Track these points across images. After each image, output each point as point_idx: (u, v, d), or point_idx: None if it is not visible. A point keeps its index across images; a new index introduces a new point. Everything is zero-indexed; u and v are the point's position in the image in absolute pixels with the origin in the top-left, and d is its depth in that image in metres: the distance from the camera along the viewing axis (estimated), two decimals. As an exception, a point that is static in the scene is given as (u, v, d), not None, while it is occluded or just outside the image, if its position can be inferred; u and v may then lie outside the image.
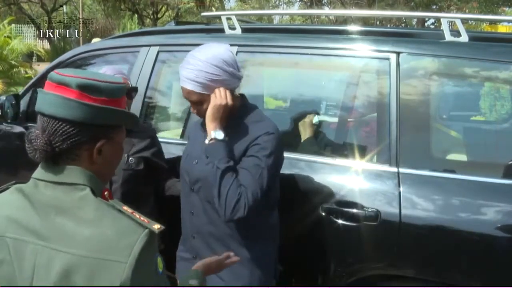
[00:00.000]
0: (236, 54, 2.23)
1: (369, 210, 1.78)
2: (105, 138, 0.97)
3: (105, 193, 0.99)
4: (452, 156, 2.03)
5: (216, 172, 1.50)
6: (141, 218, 0.93)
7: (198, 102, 1.59)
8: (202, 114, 1.62)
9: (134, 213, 0.93)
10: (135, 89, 2.10)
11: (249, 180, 1.50)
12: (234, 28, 2.38)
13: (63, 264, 0.87)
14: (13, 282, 0.91)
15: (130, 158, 1.94)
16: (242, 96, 1.71)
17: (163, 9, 22.53)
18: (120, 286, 0.85)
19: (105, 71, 2.01)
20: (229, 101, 1.55)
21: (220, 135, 1.55)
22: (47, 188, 0.95)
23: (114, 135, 1.00)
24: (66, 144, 0.93)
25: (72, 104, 0.92)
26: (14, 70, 11.05)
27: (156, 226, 0.92)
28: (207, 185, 1.57)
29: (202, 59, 1.54)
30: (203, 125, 1.68)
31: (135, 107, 2.38)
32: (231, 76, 1.57)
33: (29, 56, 15.36)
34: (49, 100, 0.94)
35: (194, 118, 2.27)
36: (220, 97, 1.55)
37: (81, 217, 0.91)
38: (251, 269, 1.62)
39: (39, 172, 0.97)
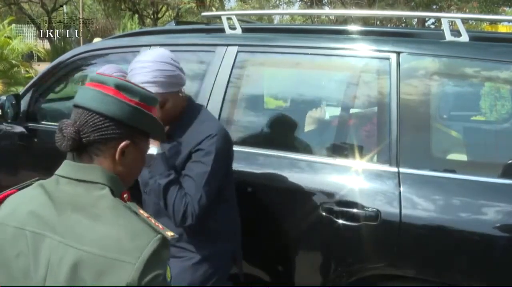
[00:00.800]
0: (237, 54, 2.23)
1: (369, 210, 1.77)
2: (130, 140, 1.00)
3: (124, 195, 1.00)
4: (453, 156, 2.03)
5: (158, 187, 1.54)
6: (156, 223, 0.94)
7: (161, 104, 1.55)
8: (166, 117, 1.59)
9: (149, 218, 0.95)
10: None
11: (193, 188, 1.53)
12: (234, 28, 2.37)
13: (73, 259, 0.88)
14: (28, 276, 0.93)
15: None
16: (188, 97, 1.71)
17: (164, 9, 22.52)
18: (126, 286, 0.86)
19: (105, 70, 2.01)
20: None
21: (153, 151, 1.56)
22: (68, 185, 0.97)
23: (139, 141, 1.03)
24: (93, 136, 0.97)
25: (107, 99, 0.98)
26: (14, 70, 11.04)
27: (170, 233, 0.93)
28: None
29: (152, 59, 1.54)
30: None
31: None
32: (181, 72, 1.58)
33: (30, 56, 15.36)
34: (87, 94, 0.99)
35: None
36: None
37: (96, 215, 0.93)
38: (199, 266, 1.65)
39: (62, 169, 1.00)
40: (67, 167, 0.99)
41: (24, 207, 0.98)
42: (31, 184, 1.04)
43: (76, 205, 0.94)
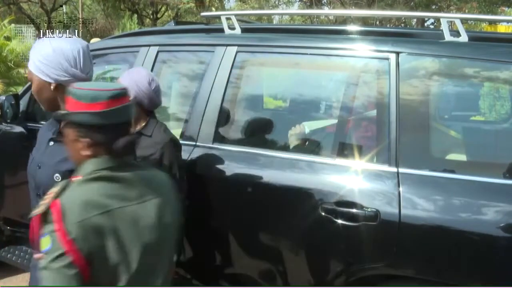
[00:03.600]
0: (236, 54, 2.23)
1: (369, 210, 1.77)
2: None
3: None
4: (452, 156, 2.03)
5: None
6: None
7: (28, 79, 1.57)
8: (36, 96, 1.58)
9: None
10: None
11: None
12: (233, 28, 2.37)
13: None
14: None
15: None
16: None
17: (163, 9, 22.52)
18: None
19: (135, 72, 2.06)
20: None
21: None
22: None
23: None
24: None
25: None
26: (14, 70, 11.02)
27: None
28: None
29: (53, 42, 1.58)
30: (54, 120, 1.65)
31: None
32: (68, 73, 1.52)
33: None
34: None
35: (191, 118, 2.27)
36: None
37: None
38: None
39: None
40: None
41: None
42: None
43: None
